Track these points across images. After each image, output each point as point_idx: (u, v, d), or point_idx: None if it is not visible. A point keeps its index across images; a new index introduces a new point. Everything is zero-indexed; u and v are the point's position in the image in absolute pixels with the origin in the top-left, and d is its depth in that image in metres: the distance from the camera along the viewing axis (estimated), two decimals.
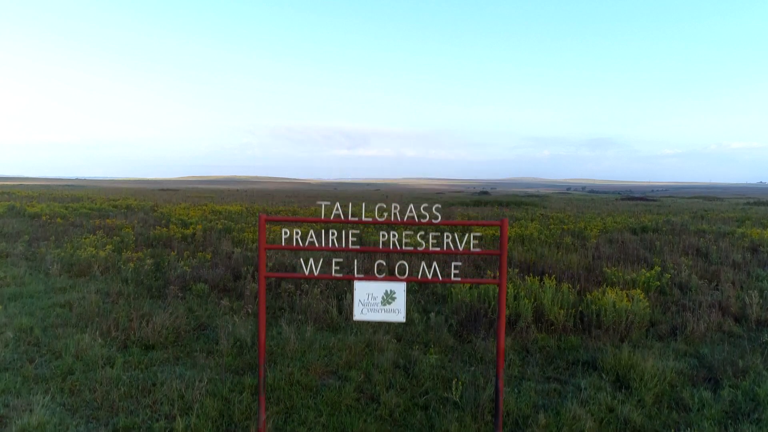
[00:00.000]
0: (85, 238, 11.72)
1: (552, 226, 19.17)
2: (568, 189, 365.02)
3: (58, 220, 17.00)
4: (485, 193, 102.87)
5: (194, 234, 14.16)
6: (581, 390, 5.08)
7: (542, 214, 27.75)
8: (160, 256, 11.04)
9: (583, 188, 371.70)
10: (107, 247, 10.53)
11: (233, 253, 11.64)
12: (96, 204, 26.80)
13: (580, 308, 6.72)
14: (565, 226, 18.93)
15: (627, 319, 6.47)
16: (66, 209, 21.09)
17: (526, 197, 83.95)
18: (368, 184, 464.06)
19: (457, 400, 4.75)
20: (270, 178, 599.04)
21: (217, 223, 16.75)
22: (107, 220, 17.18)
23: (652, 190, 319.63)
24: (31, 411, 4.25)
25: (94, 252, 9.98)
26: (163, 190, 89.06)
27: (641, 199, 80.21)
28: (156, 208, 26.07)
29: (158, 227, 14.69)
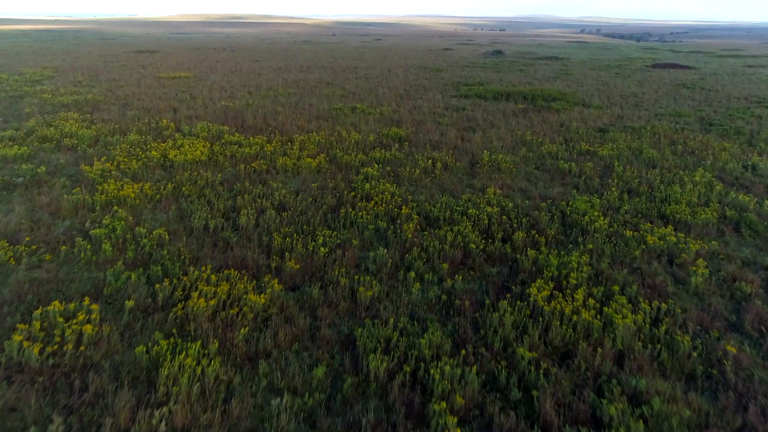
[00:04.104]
0: None
1: (628, 234, 13.71)
2: (582, 31, 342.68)
3: None
4: (499, 52, 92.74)
5: (98, 342, 8.87)
6: None
7: (589, 150, 21.90)
8: None
9: (598, 30, 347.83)
10: None
11: None
12: (32, 143, 20.72)
13: None
14: (649, 236, 13.41)
15: None
16: None
17: (549, 60, 74.59)
18: (369, 24, 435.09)
19: None
20: (267, 17, 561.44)
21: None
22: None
23: (671, 32, 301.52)
24: None
25: None
26: (139, 52, 79.40)
27: (674, 66, 71.55)
28: (103, 152, 20.10)
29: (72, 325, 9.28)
